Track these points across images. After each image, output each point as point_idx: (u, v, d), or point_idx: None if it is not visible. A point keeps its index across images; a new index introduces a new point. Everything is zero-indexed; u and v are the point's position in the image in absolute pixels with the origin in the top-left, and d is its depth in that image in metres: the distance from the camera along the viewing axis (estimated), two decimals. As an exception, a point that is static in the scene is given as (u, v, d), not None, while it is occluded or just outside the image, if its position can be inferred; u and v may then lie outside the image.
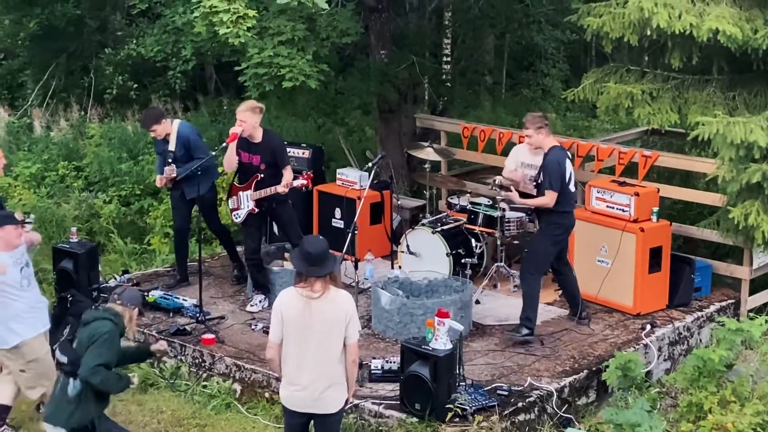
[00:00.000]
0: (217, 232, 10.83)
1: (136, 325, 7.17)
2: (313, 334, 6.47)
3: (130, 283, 10.46)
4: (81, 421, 6.61)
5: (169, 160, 10.10)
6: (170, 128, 10.14)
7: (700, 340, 9.82)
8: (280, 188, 9.45)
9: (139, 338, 8.52)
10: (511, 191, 9.34)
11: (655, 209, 9.87)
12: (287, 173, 9.50)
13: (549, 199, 8.92)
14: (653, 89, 10.19)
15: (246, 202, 9.66)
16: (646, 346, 9.25)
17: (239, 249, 10.61)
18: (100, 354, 6.54)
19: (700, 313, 9.94)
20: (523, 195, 9.31)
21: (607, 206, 9.96)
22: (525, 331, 9.06)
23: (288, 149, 11.51)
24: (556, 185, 8.90)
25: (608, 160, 10.90)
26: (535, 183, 9.26)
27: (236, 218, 9.83)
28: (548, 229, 9.12)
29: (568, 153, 9.37)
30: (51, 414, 6.69)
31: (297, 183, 9.46)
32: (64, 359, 6.61)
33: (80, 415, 6.61)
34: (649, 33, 9.65)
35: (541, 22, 16.81)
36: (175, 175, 10.05)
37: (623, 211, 9.83)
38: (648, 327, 9.48)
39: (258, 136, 9.51)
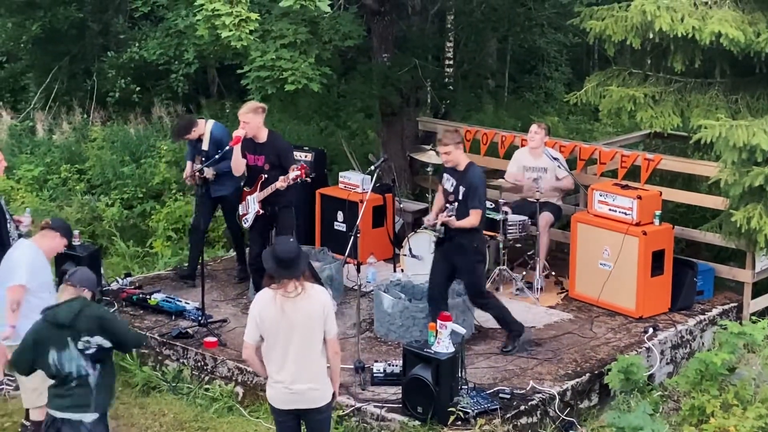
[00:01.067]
0: (235, 234, 10.85)
1: None
2: (293, 332, 6.50)
3: (132, 286, 10.49)
4: (106, 404, 6.64)
5: (203, 159, 10.08)
6: (203, 129, 10.21)
7: (703, 344, 9.82)
8: (279, 183, 9.38)
9: None
10: (448, 218, 8.71)
11: (658, 212, 9.87)
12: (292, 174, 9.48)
13: (477, 218, 8.63)
14: (656, 92, 10.19)
15: (253, 205, 9.65)
16: (648, 349, 9.25)
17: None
18: (118, 324, 6.67)
19: (702, 317, 9.94)
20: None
21: (610, 209, 9.96)
22: (515, 343, 8.96)
23: (291, 152, 11.54)
24: (482, 204, 8.72)
25: (611, 164, 10.91)
26: (449, 202, 8.75)
27: (245, 223, 9.81)
28: (473, 251, 8.74)
29: None
30: (73, 405, 6.56)
31: (292, 175, 9.37)
32: (107, 344, 6.55)
33: (105, 399, 6.63)
34: (651, 36, 9.66)
35: (543, 26, 16.83)
36: (211, 177, 10.01)
37: (626, 214, 9.83)
38: (650, 330, 9.48)
39: (263, 137, 9.50)
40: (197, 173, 9.85)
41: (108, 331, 6.54)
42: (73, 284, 6.63)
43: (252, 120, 9.41)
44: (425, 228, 8.98)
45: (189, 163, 10.57)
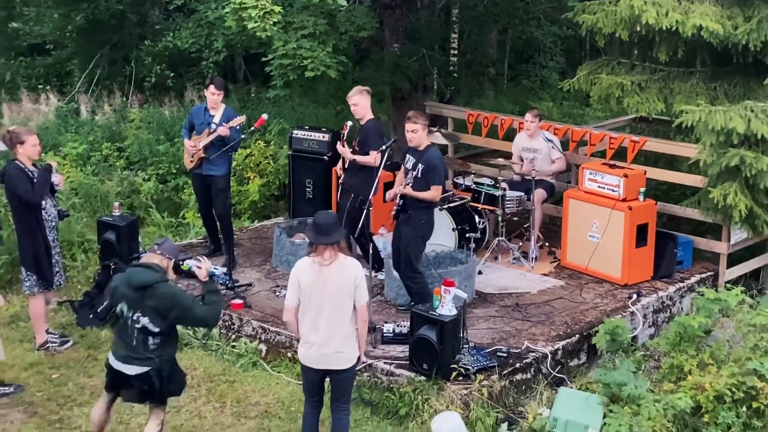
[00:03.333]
0: (219, 216, 10.19)
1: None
2: (326, 298, 6.51)
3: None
4: (163, 363, 6.61)
5: (209, 130, 9.94)
6: (220, 105, 10.04)
7: (682, 309, 9.81)
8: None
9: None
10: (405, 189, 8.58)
11: (642, 189, 9.83)
12: (365, 157, 9.17)
13: (436, 193, 8.50)
14: (642, 80, 10.15)
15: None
16: (632, 313, 9.23)
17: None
18: (187, 305, 6.50)
19: (681, 284, 9.91)
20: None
21: (599, 186, 9.92)
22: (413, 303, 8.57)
23: (310, 133, 11.50)
24: (442, 181, 8.57)
25: (600, 145, 10.86)
26: (408, 177, 8.55)
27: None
28: (420, 226, 8.57)
29: None
30: (128, 358, 6.57)
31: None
32: (155, 329, 6.50)
33: (163, 359, 6.61)
34: (638, 29, 9.62)
35: (540, 19, 16.74)
36: (206, 142, 9.81)
37: (613, 191, 9.79)
38: (634, 296, 9.46)
39: (365, 119, 9.32)
40: (201, 150, 9.77)
41: (175, 310, 6.46)
42: (161, 253, 6.66)
43: (359, 101, 9.20)
44: (390, 201, 8.84)
45: (187, 141, 10.06)
